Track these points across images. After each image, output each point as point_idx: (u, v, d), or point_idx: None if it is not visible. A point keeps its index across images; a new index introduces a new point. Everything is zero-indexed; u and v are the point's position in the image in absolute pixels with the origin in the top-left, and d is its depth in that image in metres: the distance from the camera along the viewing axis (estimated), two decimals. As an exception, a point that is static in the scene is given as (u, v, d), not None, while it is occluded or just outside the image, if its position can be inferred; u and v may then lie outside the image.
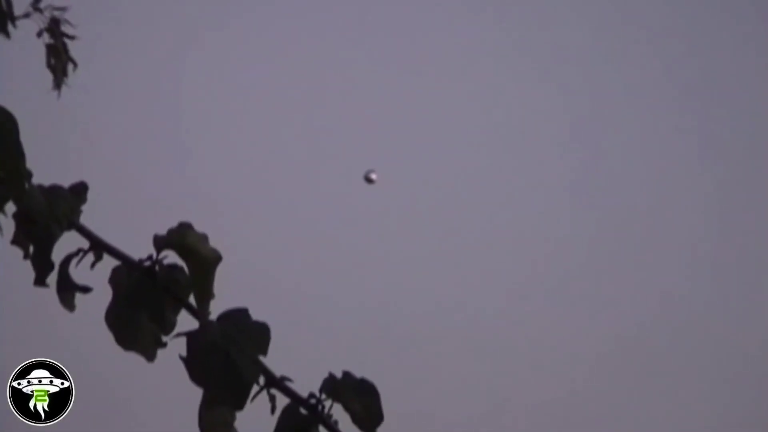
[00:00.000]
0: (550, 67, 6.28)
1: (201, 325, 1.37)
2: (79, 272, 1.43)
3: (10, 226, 1.41)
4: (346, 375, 1.40)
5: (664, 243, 6.21)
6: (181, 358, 1.34)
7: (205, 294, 1.38)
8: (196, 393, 1.36)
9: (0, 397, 1.89)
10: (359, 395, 1.40)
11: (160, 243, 1.39)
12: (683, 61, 6.33)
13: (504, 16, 6.29)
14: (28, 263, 1.42)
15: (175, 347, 1.39)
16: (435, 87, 6.28)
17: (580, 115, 6.27)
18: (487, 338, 6.02)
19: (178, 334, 1.37)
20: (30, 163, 1.33)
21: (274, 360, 1.38)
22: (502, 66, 6.31)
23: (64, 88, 2.85)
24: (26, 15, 2.73)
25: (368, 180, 5.81)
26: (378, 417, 1.40)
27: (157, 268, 1.40)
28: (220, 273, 1.39)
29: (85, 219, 1.44)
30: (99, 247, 1.41)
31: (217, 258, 1.39)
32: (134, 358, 1.43)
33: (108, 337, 1.42)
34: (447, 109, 6.25)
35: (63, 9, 2.80)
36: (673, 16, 6.31)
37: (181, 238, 1.38)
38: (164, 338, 1.40)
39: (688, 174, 6.25)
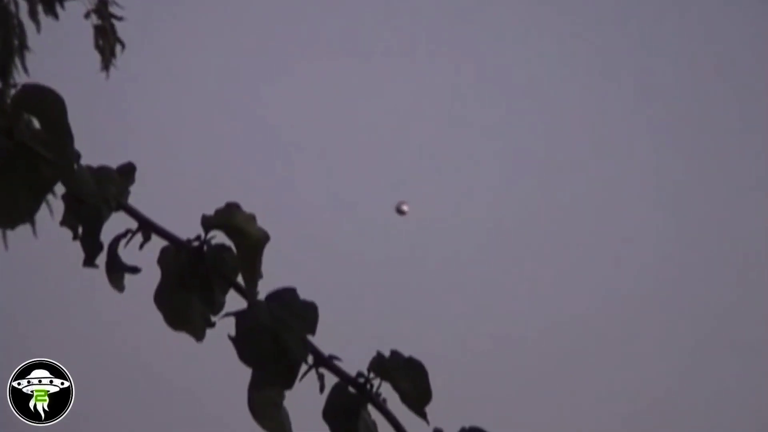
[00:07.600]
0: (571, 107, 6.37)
1: (249, 305, 1.37)
2: (125, 252, 1.44)
3: (59, 207, 1.41)
4: (395, 354, 1.40)
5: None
6: (230, 338, 1.35)
7: (253, 274, 1.38)
8: (245, 372, 1.36)
9: (0, 397, 1.90)
10: (408, 374, 1.39)
11: (208, 223, 1.39)
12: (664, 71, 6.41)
13: (532, 58, 6.38)
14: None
15: (223, 327, 1.40)
16: (465, 122, 6.35)
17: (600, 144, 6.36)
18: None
19: (227, 314, 1.38)
20: (78, 145, 1.33)
21: (322, 339, 1.38)
22: (529, 99, 6.38)
23: (111, 69, 2.86)
24: (74, -4, 2.73)
25: (400, 212, 5.90)
26: (427, 395, 1.40)
27: (205, 248, 1.40)
28: (268, 253, 1.38)
29: (134, 200, 1.44)
30: (147, 228, 1.42)
31: (264, 238, 1.38)
32: (187, 341, 1.44)
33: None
34: (477, 144, 6.33)
35: (110, -10, 2.80)
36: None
37: (229, 218, 1.38)
38: (213, 318, 1.41)
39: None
